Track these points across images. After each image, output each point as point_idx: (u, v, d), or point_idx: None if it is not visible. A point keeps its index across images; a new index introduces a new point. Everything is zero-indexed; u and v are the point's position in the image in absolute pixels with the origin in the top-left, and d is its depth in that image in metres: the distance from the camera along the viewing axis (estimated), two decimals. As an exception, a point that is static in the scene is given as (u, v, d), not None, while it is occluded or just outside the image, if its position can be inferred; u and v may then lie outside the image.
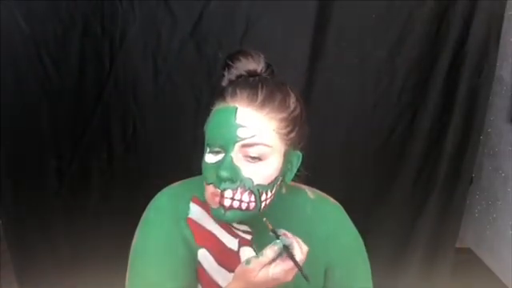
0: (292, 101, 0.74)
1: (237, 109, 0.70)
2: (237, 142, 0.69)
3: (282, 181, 0.76)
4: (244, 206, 0.71)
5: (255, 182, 0.70)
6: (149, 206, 0.83)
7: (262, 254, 0.66)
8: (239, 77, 0.75)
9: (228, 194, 0.70)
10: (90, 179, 1.62)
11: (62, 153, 1.59)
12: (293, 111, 0.74)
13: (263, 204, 0.73)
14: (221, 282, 0.79)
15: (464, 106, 1.64)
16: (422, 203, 1.76)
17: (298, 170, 0.78)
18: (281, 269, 0.66)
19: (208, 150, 0.72)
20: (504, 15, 1.57)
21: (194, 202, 0.81)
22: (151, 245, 0.79)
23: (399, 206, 1.75)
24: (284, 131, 0.72)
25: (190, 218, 0.80)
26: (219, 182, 0.70)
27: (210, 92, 1.52)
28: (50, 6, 1.42)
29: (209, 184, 0.72)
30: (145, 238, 0.80)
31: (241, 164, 0.70)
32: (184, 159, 1.52)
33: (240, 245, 0.80)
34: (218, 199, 0.71)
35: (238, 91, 0.71)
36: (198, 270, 0.80)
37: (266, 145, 0.70)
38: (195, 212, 0.81)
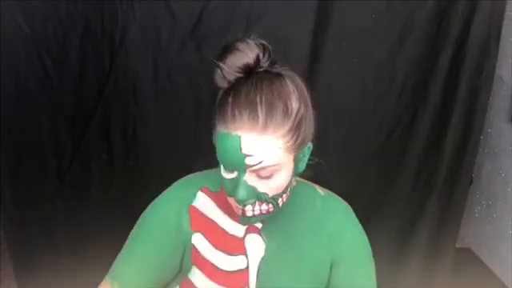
0: (294, 99, 0.72)
1: (240, 137, 0.68)
2: (246, 168, 0.70)
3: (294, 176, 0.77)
4: (264, 211, 0.75)
5: (270, 195, 0.73)
6: (163, 192, 0.87)
7: None
8: (237, 79, 0.72)
9: (248, 208, 0.74)
10: (90, 179, 1.62)
11: (61, 153, 1.59)
12: (296, 114, 0.71)
13: (281, 204, 0.76)
14: (215, 262, 0.82)
15: (464, 106, 1.64)
16: (421, 203, 1.76)
17: (309, 159, 0.80)
18: None
19: (222, 166, 0.73)
20: (504, 15, 1.57)
21: (202, 191, 0.84)
22: (147, 226, 0.84)
23: (399, 206, 1.75)
24: (291, 142, 0.71)
25: (192, 206, 0.83)
26: (238, 201, 0.73)
27: (210, 92, 1.52)
28: (49, 6, 1.42)
29: (230, 196, 0.75)
30: (144, 219, 0.85)
31: (255, 183, 0.72)
32: (184, 159, 1.52)
33: (247, 232, 0.82)
34: (240, 211, 0.75)
35: (236, 113, 0.68)
36: (192, 253, 0.83)
37: (274, 165, 0.70)
38: (200, 200, 0.83)
